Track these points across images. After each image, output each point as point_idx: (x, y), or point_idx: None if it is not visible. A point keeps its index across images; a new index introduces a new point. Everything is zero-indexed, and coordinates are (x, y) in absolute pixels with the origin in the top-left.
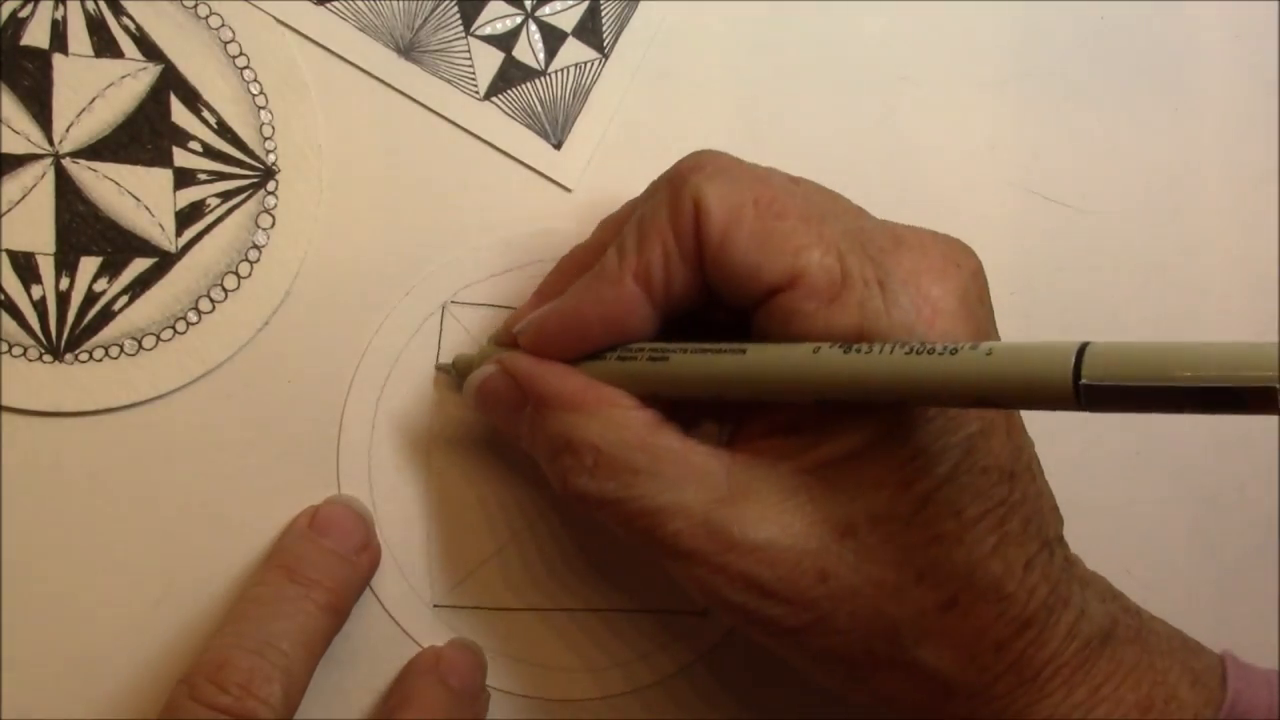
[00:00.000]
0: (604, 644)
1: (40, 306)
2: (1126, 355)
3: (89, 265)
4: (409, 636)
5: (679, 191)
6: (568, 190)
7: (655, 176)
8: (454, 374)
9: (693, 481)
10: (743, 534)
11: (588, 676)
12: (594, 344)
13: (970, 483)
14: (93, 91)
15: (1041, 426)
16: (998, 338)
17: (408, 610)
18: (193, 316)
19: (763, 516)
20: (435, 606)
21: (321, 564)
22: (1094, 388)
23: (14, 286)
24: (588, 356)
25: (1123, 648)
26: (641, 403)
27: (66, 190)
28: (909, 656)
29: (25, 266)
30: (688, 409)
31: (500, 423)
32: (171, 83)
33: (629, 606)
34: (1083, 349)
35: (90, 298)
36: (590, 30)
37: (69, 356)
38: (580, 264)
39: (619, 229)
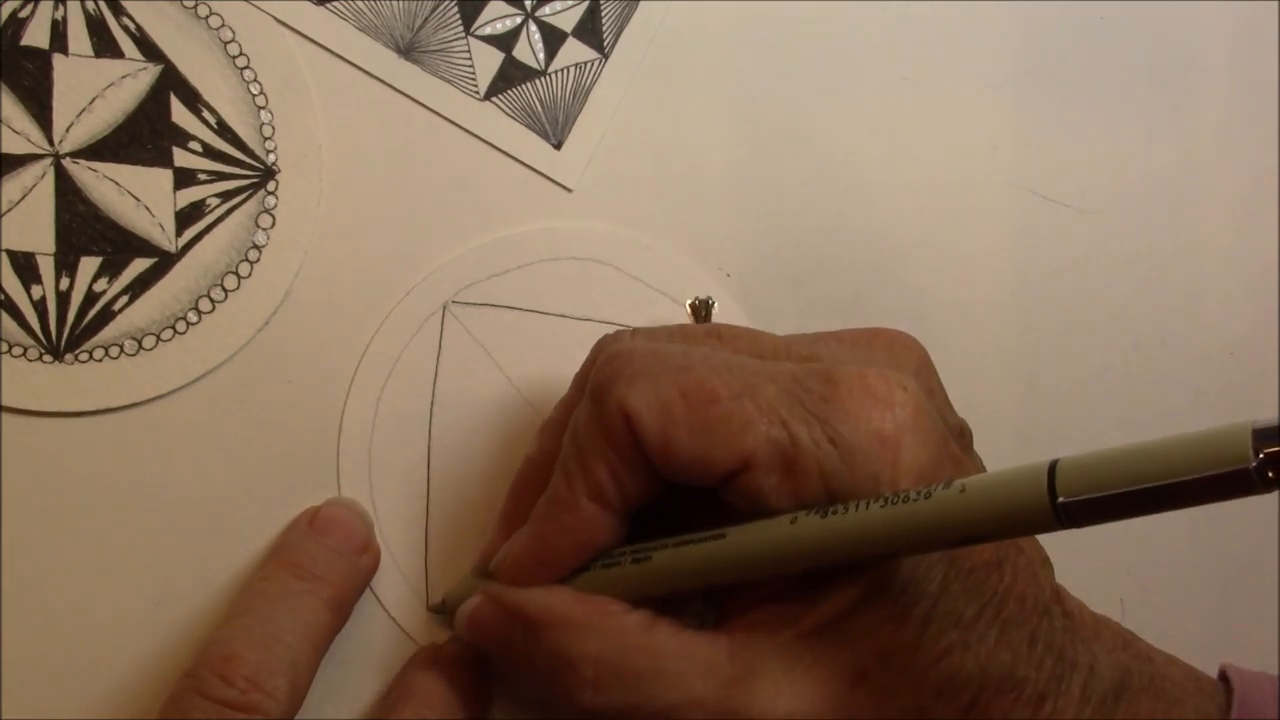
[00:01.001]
0: None
1: (40, 306)
2: (1098, 466)
3: (89, 265)
4: (409, 636)
5: (604, 407)
6: (568, 190)
7: (655, 176)
8: (445, 612)
9: (698, 672)
10: (760, 713)
11: None
12: (569, 567)
13: (961, 588)
14: (93, 91)
15: None
16: (959, 420)
17: (407, 611)
18: (193, 316)
19: (775, 691)
20: (434, 607)
21: (324, 561)
22: (1073, 504)
23: (14, 286)
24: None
25: (1137, 699)
26: (631, 605)
27: (66, 190)
28: None
29: (25, 266)
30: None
31: (495, 651)
32: (171, 83)
33: None
34: (1053, 467)
35: (90, 298)
36: (590, 30)
37: (69, 356)
38: (532, 482)
39: (558, 436)
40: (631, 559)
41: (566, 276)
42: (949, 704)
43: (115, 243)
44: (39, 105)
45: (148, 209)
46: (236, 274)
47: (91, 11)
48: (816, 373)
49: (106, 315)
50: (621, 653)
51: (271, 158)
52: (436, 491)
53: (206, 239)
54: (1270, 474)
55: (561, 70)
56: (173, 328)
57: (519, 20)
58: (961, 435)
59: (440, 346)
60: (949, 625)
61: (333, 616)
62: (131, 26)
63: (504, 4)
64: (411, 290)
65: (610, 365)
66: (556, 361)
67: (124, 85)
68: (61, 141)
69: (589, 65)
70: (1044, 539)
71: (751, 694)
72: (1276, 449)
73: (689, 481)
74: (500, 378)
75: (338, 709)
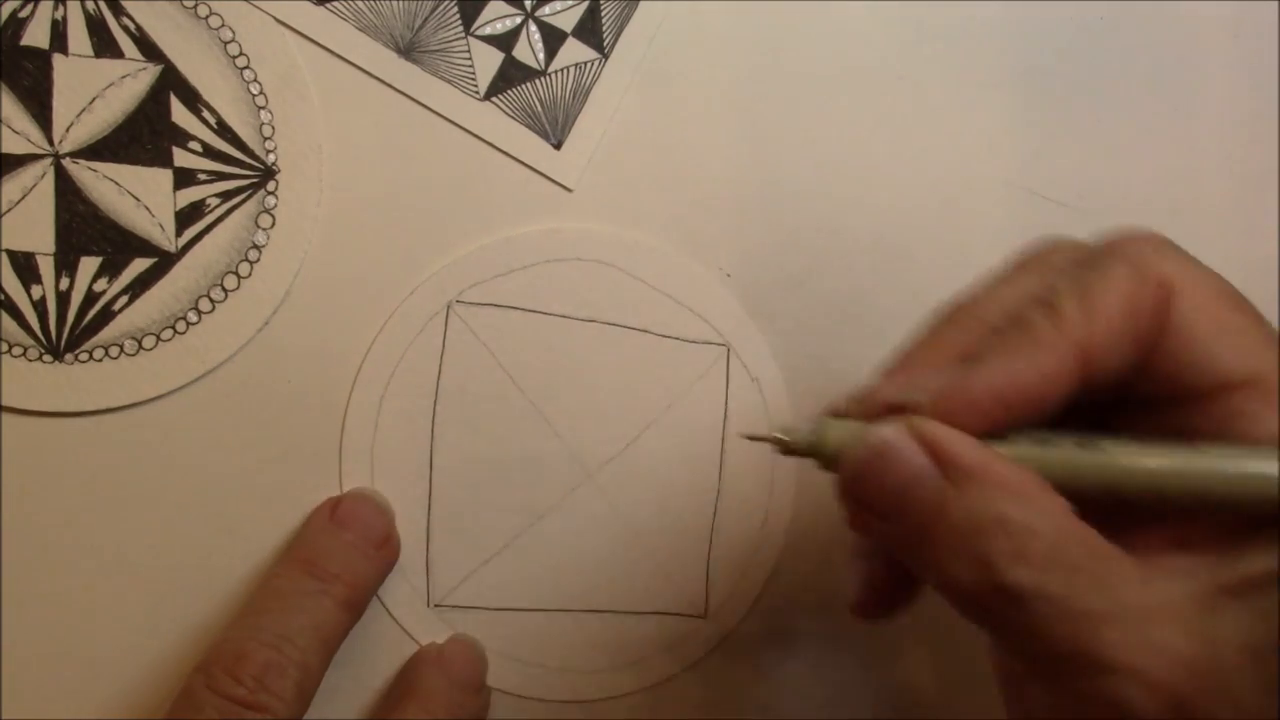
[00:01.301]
0: (604, 645)
1: (40, 306)
2: None
3: (89, 265)
4: (409, 636)
5: (1136, 262)
6: (568, 190)
7: (655, 176)
8: (780, 449)
9: (1124, 586)
10: (1178, 648)
11: (588, 678)
12: (1015, 421)
13: None
14: (93, 91)
15: None
16: None
17: (409, 610)
18: (193, 316)
19: (1190, 630)
20: (436, 606)
21: (341, 558)
22: None
23: (14, 286)
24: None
25: None
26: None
27: (66, 190)
28: None
29: (25, 266)
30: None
31: (884, 498)
32: (171, 83)
33: (630, 609)
34: None
35: (90, 298)
36: (590, 30)
37: (69, 356)
38: (953, 347)
39: (983, 312)
40: (1075, 443)
41: (570, 277)
42: None
43: (115, 243)
44: (39, 105)
45: (148, 209)
46: (236, 274)
47: (91, 11)
48: None
49: (106, 315)
50: (1061, 535)
51: (271, 158)
52: (439, 491)
53: (206, 239)
54: None
55: (561, 70)
56: (173, 328)
57: (519, 20)
58: None
59: (444, 346)
60: None
61: (346, 615)
62: (131, 26)
63: (504, 4)
64: (416, 289)
65: (1146, 235)
66: (560, 360)
67: (124, 85)
68: (61, 141)
69: (589, 65)
70: None
71: (1169, 627)
72: None
73: (1170, 385)
74: (503, 377)
75: (339, 708)
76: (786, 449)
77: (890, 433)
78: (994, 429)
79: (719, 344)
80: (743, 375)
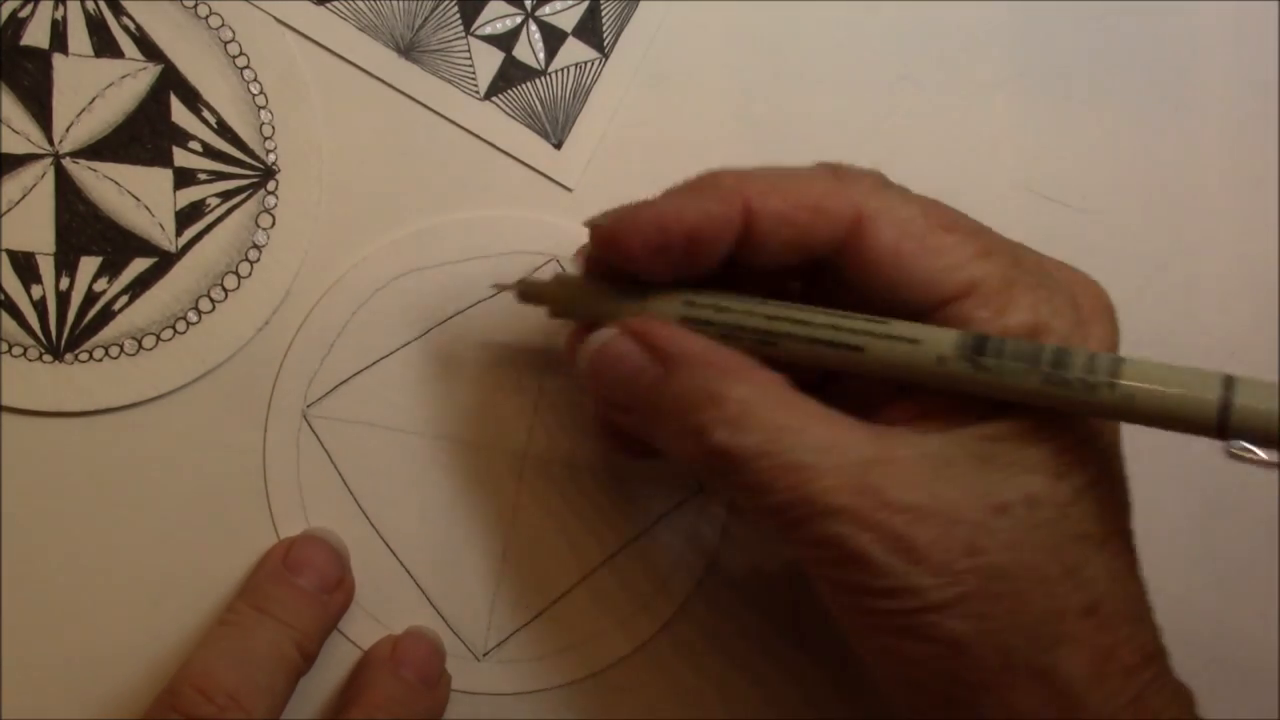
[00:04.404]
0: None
1: (40, 306)
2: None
3: (89, 265)
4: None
5: (844, 180)
6: (568, 190)
7: (655, 176)
8: (515, 294)
9: (840, 440)
10: (898, 494)
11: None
12: (670, 259)
13: (1112, 491)
14: (93, 91)
15: None
16: None
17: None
18: (193, 316)
19: (917, 480)
20: (511, 290)
21: (293, 607)
22: (1245, 410)
23: (14, 286)
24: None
25: None
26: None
27: (66, 190)
28: (1044, 661)
29: (25, 266)
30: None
31: (614, 391)
32: (171, 83)
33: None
34: (1231, 378)
35: (90, 298)
36: (590, 30)
37: (69, 356)
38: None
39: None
40: (714, 306)
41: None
42: (1073, 591)
43: (115, 242)
44: (39, 105)
45: (148, 209)
46: (236, 274)
47: (91, 11)
48: (1035, 253)
49: (106, 315)
50: (768, 400)
51: (271, 158)
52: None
53: (206, 239)
54: None
55: (561, 70)
56: (173, 328)
57: (519, 20)
58: None
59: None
60: (1092, 515)
61: (300, 658)
62: (131, 26)
63: (504, 4)
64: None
65: (874, 174)
66: None
67: (124, 85)
68: (61, 141)
69: (589, 65)
70: None
71: (892, 474)
72: None
73: (897, 303)
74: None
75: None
76: (521, 294)
77: (608, 334)
78: (657, 261)
79: None
80: None
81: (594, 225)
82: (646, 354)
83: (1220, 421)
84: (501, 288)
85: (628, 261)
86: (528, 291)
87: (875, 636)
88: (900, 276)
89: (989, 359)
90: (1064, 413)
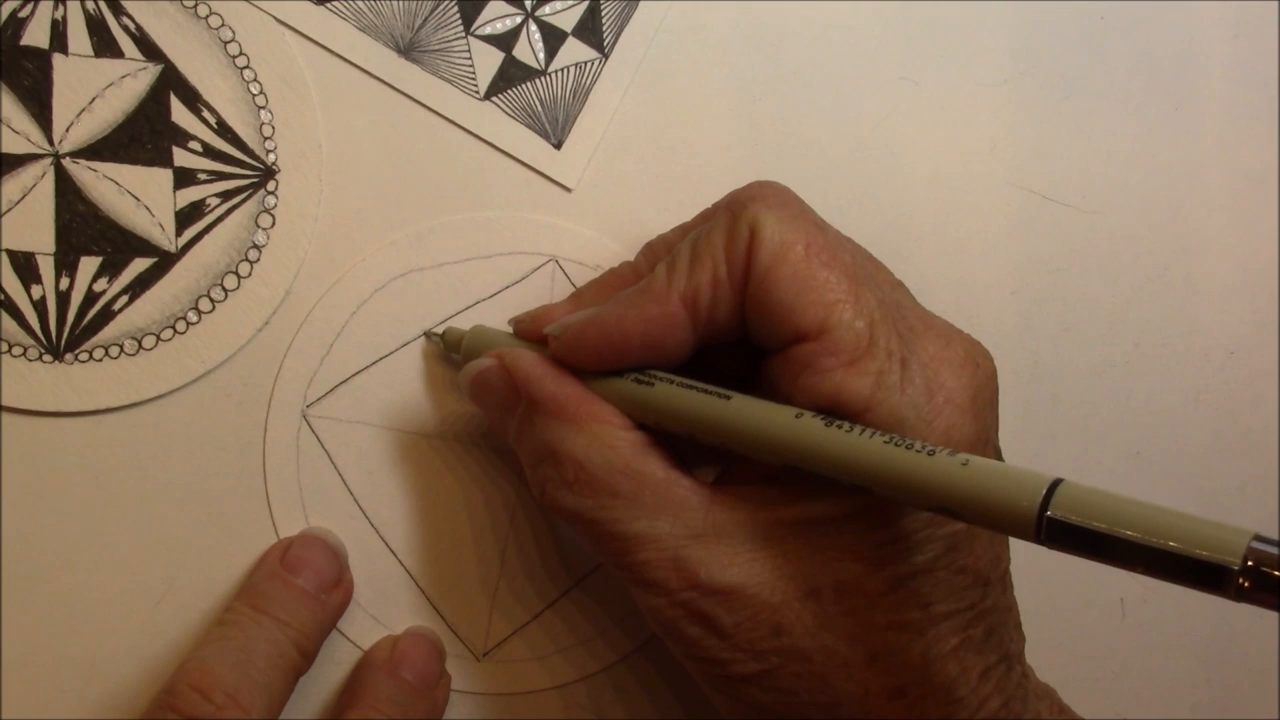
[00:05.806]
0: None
1: (40, 306)
2: (1097, 500)
3: (89, 265)
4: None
5: (737, 217)
6: (568, 190)
7: (655, 176)
8: (440, 345)
9: (669, 513)
10: (709, 575)
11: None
12: (628, 361)
13: (945, 579)
14: (93, 91)
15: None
16: (998, 445)
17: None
18: (193, 316)
19: (732, 561)
20: (433, 336)
21: (291, 606)
22: (1058, 521)
23: (14, 286)
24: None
25: None
26: (632, 425)
27: (66, 190)
28: None
29: (25, 266)
30: (685, 448)
31: (489, 416)
32: (171, 83)
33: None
34: (1056, 484)
35: (90, 298)
36: (590, 30)
37: (69, 356)
38: (623, 280)
39: (667, 251)
40: (634, 379)
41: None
42: (878, 676)
43: (115, 242)
44: (39, 105)
45: (148, 209)
46: (236, 274)
47: (91, 11)
48: (917, 310)
49: (106, 315)
50: (607, 466)
51: (271, 157)
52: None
53: (206, 239)
54: (1245, 583)
55: (561, 70)
56: (173, 328)
57: (519, 20)
58: (998, 453)
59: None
60: (915, 603)
61: (302, 659)
62: (131, 26)
63: (504, 4)
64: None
65: (759, 187)
66: None
67: (124, 85)
68: (61, 141)
69: (589, 65)
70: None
71: (709, 554)
72: (1262, 564)
73: (760, 330)
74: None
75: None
76: (433, 341)
77: (487, 363)
78: (625, 366)
79: None
80: None
81: (550, 337)
82: (513, 392)
83: (1039, 524)
84: (430, 336)
85: (592, 368)
86: (449, 341)
87: (702, 683)
88: (765, 298)
89: (843, 422)
90: (887, 493)
